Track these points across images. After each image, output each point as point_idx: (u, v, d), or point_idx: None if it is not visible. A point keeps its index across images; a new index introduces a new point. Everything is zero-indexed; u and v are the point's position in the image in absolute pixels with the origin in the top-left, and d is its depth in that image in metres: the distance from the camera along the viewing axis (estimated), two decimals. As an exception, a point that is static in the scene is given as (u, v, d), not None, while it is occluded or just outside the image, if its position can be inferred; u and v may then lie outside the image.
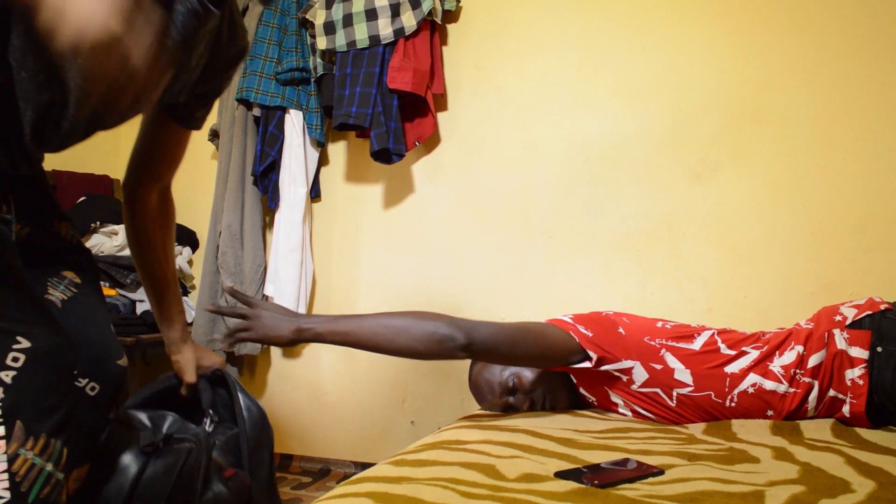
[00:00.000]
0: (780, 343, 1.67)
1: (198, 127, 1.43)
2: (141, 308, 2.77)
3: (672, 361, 1.64)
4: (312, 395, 2.94)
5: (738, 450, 1.37)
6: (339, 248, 2.90)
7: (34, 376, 1.05)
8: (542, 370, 1.76)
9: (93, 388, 1.28)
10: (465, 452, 1.29)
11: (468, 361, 1.92)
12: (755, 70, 2.33)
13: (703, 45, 2.39)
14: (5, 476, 1.01)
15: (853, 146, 2.23)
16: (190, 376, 1.54)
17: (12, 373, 1.02)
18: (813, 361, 1.62)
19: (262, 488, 1.52)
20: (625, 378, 1.67)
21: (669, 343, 1.67)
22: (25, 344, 1.04)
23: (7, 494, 1.02)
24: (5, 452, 1.01)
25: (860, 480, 1.12)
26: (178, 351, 1.56)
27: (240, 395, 1.52)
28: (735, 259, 2.34)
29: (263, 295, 2.80)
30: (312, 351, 2.94)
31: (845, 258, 2.23)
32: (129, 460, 1.33)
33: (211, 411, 1.52)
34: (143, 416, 1.44)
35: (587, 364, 1.62)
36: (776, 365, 1.64)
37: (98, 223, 2.80)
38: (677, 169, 2.40)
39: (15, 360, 1.03)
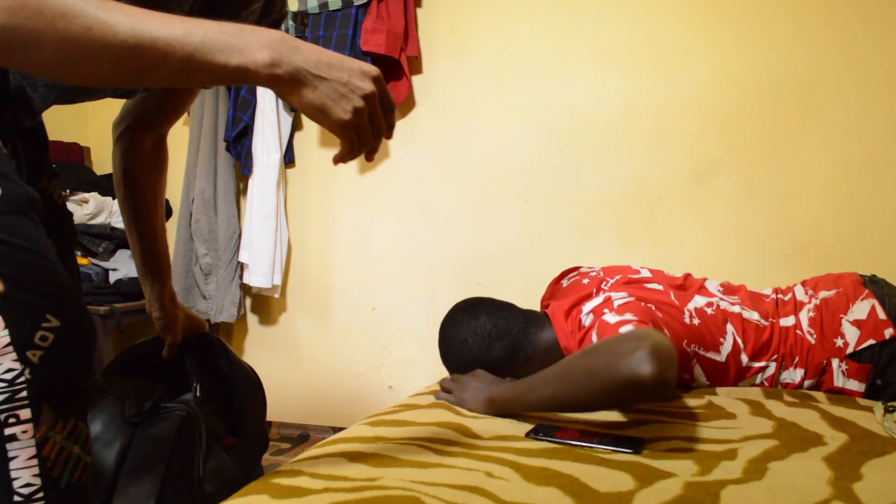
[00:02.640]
0: (790, 353, 1.59)
1: (209, 85, 1.39)
2: (114, 277, 2.73)
3: (698, 373, 1.57)
4: (290, 361, 2.93)
5: (716, 405, 1.37)
6: (314, 213, 2.87)
7: (62, 357, 0.97)
8: (520, 367, 1.63)
9: None
10: (440, 411, 1.29)
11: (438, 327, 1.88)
12: (730, 33, 2.31)
13: (678, 8, 2.37)
14: (34, 462, 0.93)
15: (827, 111, 2.23)
16: (175, 336, 1.45)
17: (40, 352, 0.94)
18: (807, 386, 1.57)
19: (259, 458, 1.43)
20: None
21: (700, 352, 1.55)
22: (55, 322, 0.96)
23: (38, 482, 0.94)
24: (33, 437, 0.93)
25: (832, 433, 1.14)
26: (162, 308, 1.45)
27: (228, 357, 1.43)
28: (710, 222, 2.34)
29: (238, 262, 2.77)
30: (289, 317, 2.92)
31: (817, 220, 2.24)
32: (114, 432, 1.22)
33: (199, 376, 1.41)
34: (123, 384, 1.32)
35: None
36: (779, 381, 1.59)
37: (68, 191, 2.75)
38: (653, 132, 2.39)
39: (43, 339, 0.94)
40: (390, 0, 2.51)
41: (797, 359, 1.57)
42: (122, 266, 2.77)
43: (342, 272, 2.83)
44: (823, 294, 1.64)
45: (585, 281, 1.71)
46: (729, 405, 1.37)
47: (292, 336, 2.92)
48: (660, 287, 1.64)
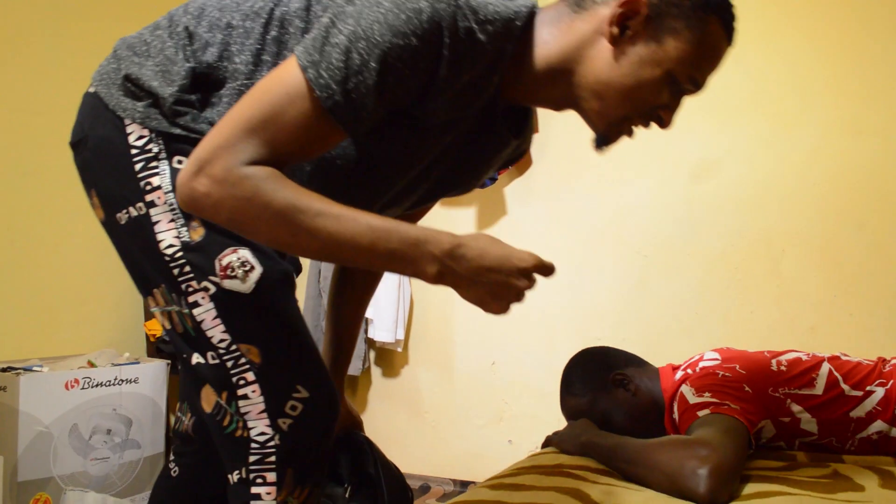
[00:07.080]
0: None
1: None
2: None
3: (798, 411, 1.53)
4: (412, 413, 3.01)
5: (842, 475, 1.33)
6: (435, 270, 2.96)
7: (309, 426, 1.04)
8: (633, 412, 1.67)
9: None
10: (561, 477, 1.31)
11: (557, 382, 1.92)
12: (852, 82, 2.26)
13: (795, 58, 2.34)
14: None
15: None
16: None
17: (289, 421, 1.02)
18: None
19: None
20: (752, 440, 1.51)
21: (793, 391, 1.53)
22: (304, 393, 1.02)
23: None
24: (275, 499, 1.01)
25: (971, 511, 1.09)
26: None
27: (377, 459, 1.48)
28: (839, 276, 2.26)
29: (364, 317, 2.89)
30: (411, 370, 3.01)
31: (959, 273, 2.14)
32: None
33: (351, 476, 1.48)
34: None
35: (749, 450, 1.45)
36: None
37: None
38: (774, 185, 2.35)
39: (293, 408, 1.02)
40: (506, 64, 2.59)
41: None
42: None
43: (462, 327, 2.90)
44: None
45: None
46: (856, 475, 1.32)
47: (414, 388, 3.01)
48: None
